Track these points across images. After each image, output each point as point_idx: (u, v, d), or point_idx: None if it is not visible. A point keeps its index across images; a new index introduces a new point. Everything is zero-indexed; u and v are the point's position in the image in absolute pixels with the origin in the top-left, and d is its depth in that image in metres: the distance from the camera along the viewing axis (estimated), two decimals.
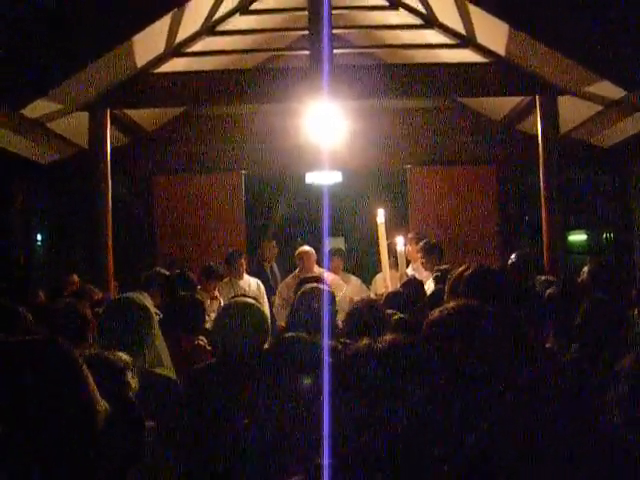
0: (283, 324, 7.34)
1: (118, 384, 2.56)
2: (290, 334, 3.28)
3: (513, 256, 6.82)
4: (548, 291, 4.84)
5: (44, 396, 1.71)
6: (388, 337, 2.17)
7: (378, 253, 7.72)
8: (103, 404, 1.84)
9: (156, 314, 4.99)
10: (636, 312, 5.15)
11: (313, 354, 2.97)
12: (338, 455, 1.83)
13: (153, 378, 3.53)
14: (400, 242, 7.71)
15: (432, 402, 1.86)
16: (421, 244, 8.05)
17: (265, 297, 8.69)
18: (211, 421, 3.44)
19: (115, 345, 3.09)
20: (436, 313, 2.38)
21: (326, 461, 1.82)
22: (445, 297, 3.83)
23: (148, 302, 4.00)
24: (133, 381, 2.89)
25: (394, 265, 7.90)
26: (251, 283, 8.79)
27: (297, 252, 8.72)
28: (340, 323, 5.06)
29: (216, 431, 3.36)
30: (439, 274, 6.40)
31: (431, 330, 2.33)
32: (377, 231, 7.54)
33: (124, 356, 2.71)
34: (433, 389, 1.88)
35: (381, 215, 7.53)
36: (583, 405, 2.48)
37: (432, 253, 7.90)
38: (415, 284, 6.26)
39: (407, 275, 7.62)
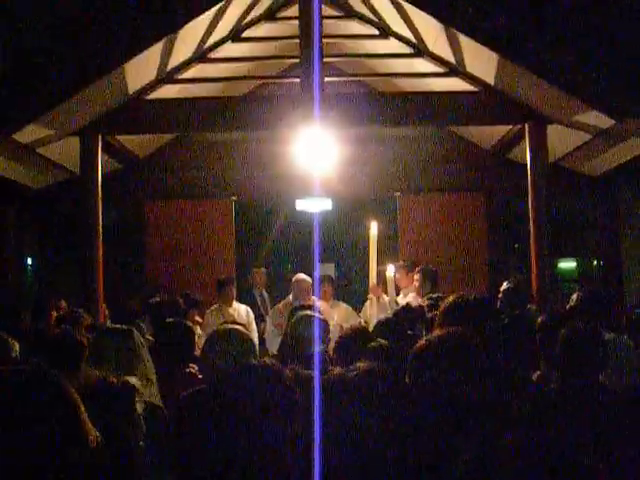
0: (275, 351, 7.28)
1: (124, 408, 2.54)
2: (250, 362, 3.18)
3: (505, 284, 6.82)
4: (540, 319, 4.85)
5: (34, 426, 1.70)
6: (361, 365, 2.17)
7: (368, 278, 7.74)
8: (94, 433, 1.82)
9: (148, 340, 4.99)
10: (626, 338, 5.17)
11: (269, 382, 2.85)
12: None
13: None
14: (390, 269, 7.73)
15: (403, 429, 1.85)
16: (418, 269, 8.05)
17: (254, 324, 8.66)
18: (199, 447, 3.41)
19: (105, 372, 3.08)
20: (422, 342, 2.38)
21: None
22: (435, 325, 3.83)
23: (137, 333, 4.00)
24: (139, 406, 2.88)
25: (383, 292, 7.90)
26: (240, 310, 8.75)
27: (294, 279, 8.57)
28: (331, 351, 5.05)
29: (204, 458, 3.33)
30: (432, 302, 6.34)
31: (415, 358, 2.33)
32: (369, 247, 7.58)
33: (133, 380, 2.69)
34: (405, 417, 1.88)
35: (374, 227, 7.57)
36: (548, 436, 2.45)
37: (426, 279, 7.90)
38: (408, 311, 6.20)
39: (397, 302, 7.62)
